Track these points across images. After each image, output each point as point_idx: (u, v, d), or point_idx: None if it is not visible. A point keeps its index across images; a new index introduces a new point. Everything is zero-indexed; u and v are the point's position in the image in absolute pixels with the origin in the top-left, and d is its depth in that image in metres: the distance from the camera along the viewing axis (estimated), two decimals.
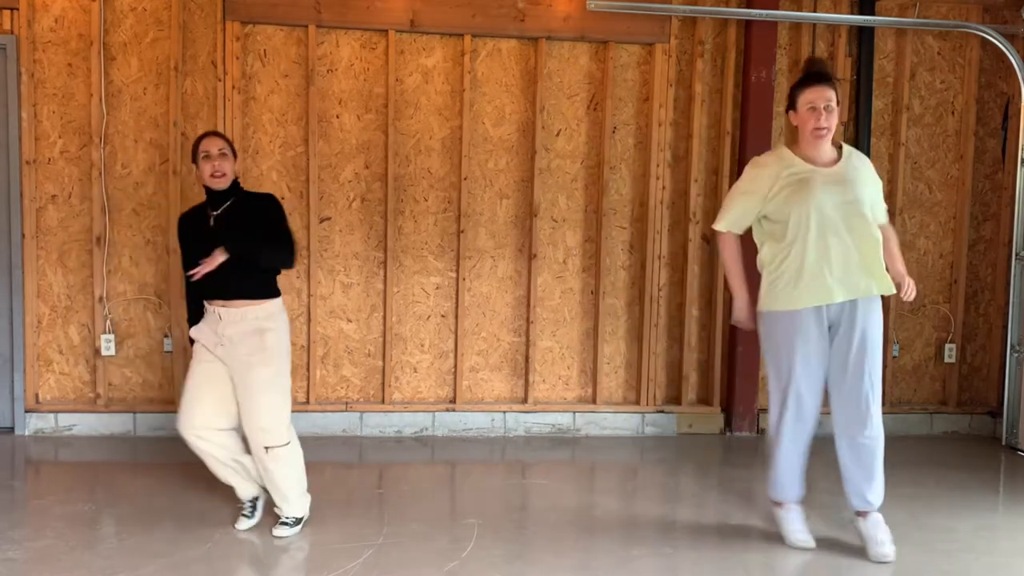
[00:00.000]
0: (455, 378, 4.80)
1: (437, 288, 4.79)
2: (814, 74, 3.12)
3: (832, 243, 3.05)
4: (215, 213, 3.21)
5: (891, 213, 4.96)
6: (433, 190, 4.74)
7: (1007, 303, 4.95)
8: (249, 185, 4.58)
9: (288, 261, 3.25)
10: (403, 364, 4.80)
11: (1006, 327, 4.93)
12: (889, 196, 4.99)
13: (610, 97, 4.75)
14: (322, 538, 3.27)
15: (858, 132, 4.91)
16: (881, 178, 4.99)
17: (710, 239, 4.89)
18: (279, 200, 3.31)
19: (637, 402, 4.93)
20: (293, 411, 4.64)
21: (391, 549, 3.18)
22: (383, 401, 4.77)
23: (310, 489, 3.41)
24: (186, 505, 3.57)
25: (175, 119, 4.47)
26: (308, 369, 4.69)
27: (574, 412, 4.88)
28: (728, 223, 3.28)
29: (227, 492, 3.70)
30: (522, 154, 4.78)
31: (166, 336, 4.59)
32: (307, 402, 4.70)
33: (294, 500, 3.29)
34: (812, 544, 3.27)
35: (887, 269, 3.14)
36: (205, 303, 3.24)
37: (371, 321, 4.76)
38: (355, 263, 4.72)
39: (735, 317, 3.36)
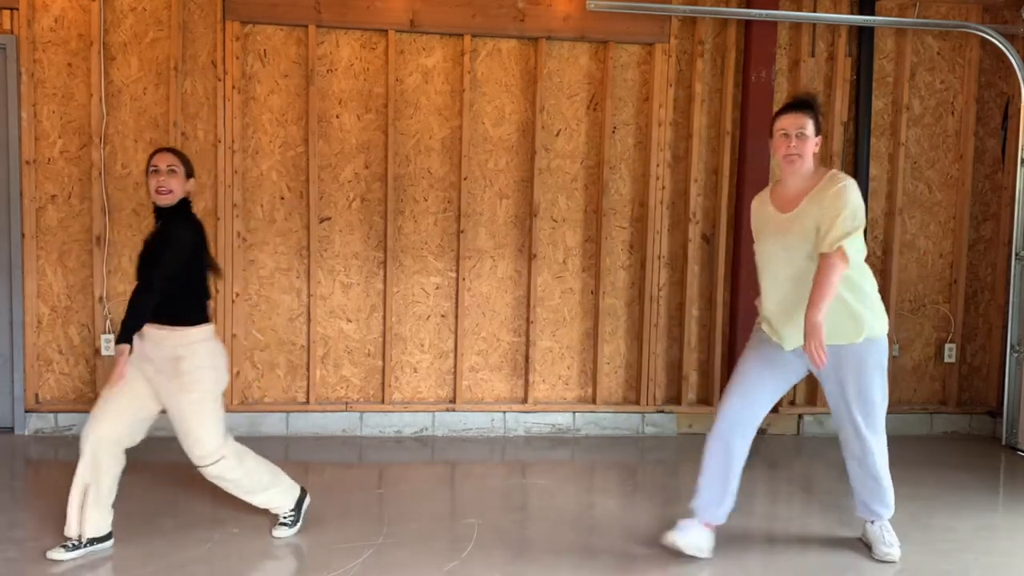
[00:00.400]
0: (455, 378, 4.80)
1: (437, 288, 4.79)
2: (790, 103, 3.12)
3: (780, 291, 3.07)
4: (153, 232, 3.15)
5: (891, 213, 5.00)
6: (433, 190, 4.74)
7: (1007, 303, 4.95)
8: (249, 185, 4.59)
9: (143, 307, 3.04)
10: (403, 364, 4.80)
11: (1006, 327, 4.93)
12: (889, 196, 5.03)
13: (610, 97, 4.75)
14: (322, 538, 3.27)
15: (858, 132, 4.91)
16: (881, 178, 5.05)
17: (710, 239, 4.90)
18: (180, 233, 3.09)
19: (637, 402, 4.93)
20: (293, 411, 4.68)
21: (391, 549, 3.18)
22: (383, 401, 4.77)
23: (312, 489, 3.41)
24: (186, 505, 3.57)
25: (175, 119, 4.47)
26: (308, 369, 4.69)
27: (574, 412, 4.88)
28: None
29: (228, 493, 3.70)
30: (522, 154, 4.78)
31: None
32: (307, 402, 4.70)
33: (263, 502, 3.28)
34: (678, 544, 3.16)
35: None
36: None
37: (371, 321, 4.76)
38: (355, 263, 4.72)
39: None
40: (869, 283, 3.07)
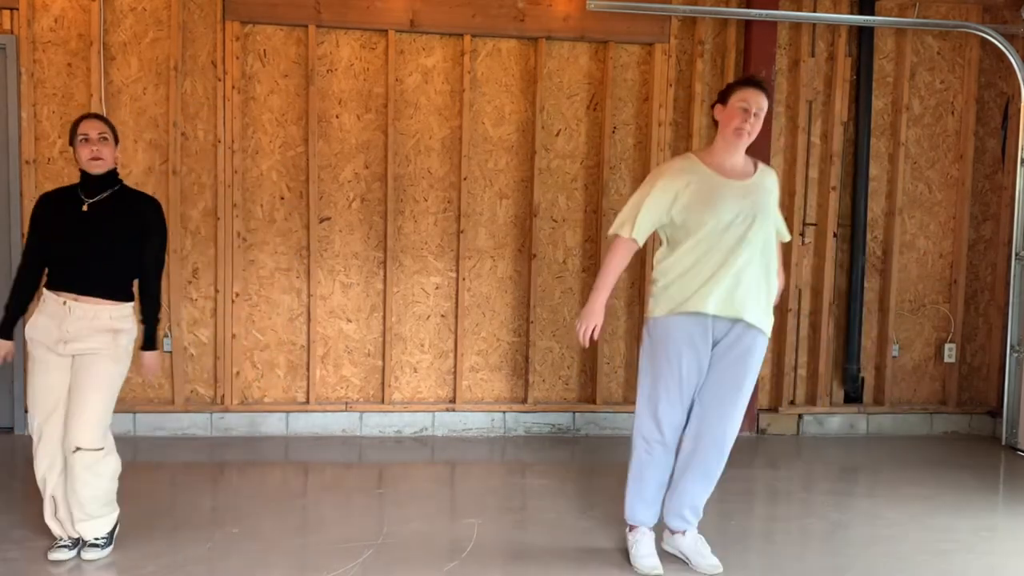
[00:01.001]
0: (455, 378, 4.80)
1: (437, 288, 4.79)
2: (755, 79, 3.07)
3: (725, 257, 2.93)
4: (91, 200, 3.04)
5: (891, 213, 5.00)
6: (433, 190, 4.74)
7: (1007, 303, 4.95)
8: (249, 184, 4.58)
9: (159, 298, 3.17)
10: (403, 364, 4.80)
11: (1006, 327, 4.93)
12: (889, 196, 5.03)
13: (610, 97, 4.75)
14: (322, 538, 3.27)
15: (858, 132, 4.91)
16: (881, 178, 5.05)
17: None
18: (163, 210, 3.20)
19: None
20: (293, 411, 4.68)
21: (391, 549, 3.18)
22: (383, 401, 4.76)
23: (312, 489, 3.40)
24: (186, 505, 3.57)
25: (175, 119, 4.47)
26: (308, 369, 4.68)
27: (574, 412, 4.88)
28: (638, 231, 3.04)
29: (228, 493, 3.70)
30: (522, 154, 4.78)
31: (166, 336, 4.58)
32: (307, 402, 4.70)
33: (94, 513, 3.02)
34: (660, 570, 3.02)
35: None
36: (49, 293, 3.01)
37: (371, 321, 4.76)
38: (355, 263, 4.71)
39: (587, 311, 3.08)
40: None
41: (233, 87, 4.49)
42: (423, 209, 4.74)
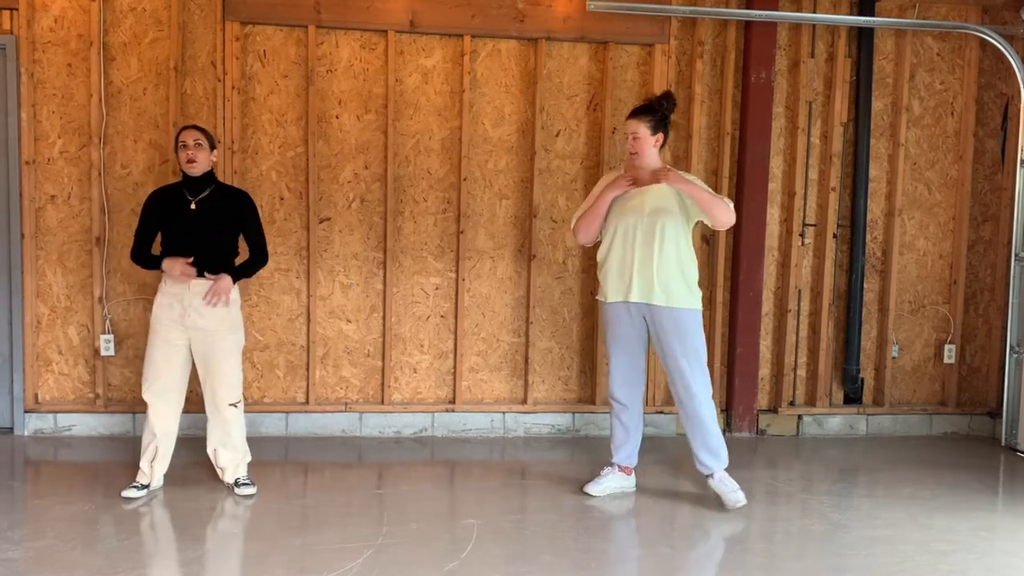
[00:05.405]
0: (454, 379, 4.80)
1: (436, 288, 4.79)
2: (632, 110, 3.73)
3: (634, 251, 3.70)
4: (196, 198, 3.63)
5: (890, 214, 5.01)
6: (432, 190, 4.74)
7: (1007, 303, 4.95)
8: (248, 185, 4.58)
9: (262, 267, 3.83)
10: (402, 365, 4.80)
11: (1006, 327, 4.93)
12: (888, 196, 5.04)
13: (610, 98, 4.75)
14: (322, 538, 3.27)
15: (858, 133, 4.91)
16: (880, 179, 5.07)
17: (709, 240, 4.90)
18: (253, 201, 3.81)
19: None
20: (293, 411, 4.69)
21: (391, 549, 3.18)
22: (383, 402, 4.76)
23: (312, 489, 3.40)
24: (185, 505, 3.57)
25: (175, 119, 4.47)
26: (308, 369, 4.68)
27: (574, 413, 4.88)
28: None
29: (227, 493, 3.70)
30: (522, 155, 4.78)
31: None
32: (307, 402, 4.70)
33: (245, 448, 3.77)
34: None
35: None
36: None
37: (371, 321, 4.76)
38: (354, 263, 4.72)
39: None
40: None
41: (233, 87, 4.49)
42: (423, 210, 4.74)
